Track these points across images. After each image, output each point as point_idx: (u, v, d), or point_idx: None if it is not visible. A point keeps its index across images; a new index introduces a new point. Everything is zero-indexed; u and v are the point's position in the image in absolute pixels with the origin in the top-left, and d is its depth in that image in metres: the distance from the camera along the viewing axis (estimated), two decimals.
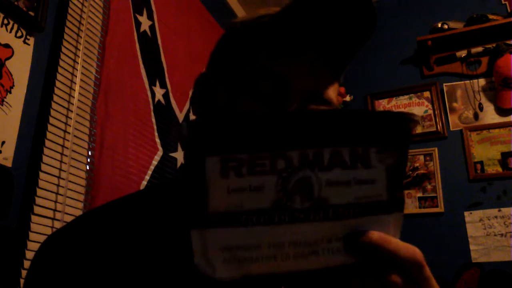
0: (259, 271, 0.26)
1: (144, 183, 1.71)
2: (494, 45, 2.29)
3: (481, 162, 2.19)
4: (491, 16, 2.29)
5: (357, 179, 0.27)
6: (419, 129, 2.37)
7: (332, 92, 0.47)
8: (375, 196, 0.28)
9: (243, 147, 0.26)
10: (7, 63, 1.29)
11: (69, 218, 1.39)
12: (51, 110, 1.40)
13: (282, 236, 0.26)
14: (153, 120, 1.82)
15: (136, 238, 0.44)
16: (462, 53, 2.36)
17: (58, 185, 1.37)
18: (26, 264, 1.23)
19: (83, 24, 1.57)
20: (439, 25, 2.37)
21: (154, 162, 1.79)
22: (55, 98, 1.42)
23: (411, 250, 0.32)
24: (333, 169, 0.27)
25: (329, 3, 0.42)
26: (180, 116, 2.01)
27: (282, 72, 0.44)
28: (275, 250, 0.26)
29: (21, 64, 1.33)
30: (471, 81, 2.33)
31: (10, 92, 1.28)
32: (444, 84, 2.40)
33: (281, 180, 0.26)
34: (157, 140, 1.83)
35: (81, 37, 1.55)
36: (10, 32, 1.31)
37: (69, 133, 1.44)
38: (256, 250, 0.26)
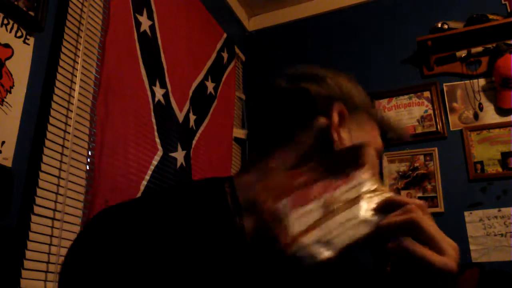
0: (343, 242, 0.44)
1: (144, 183, 1.71)
2: (494, 45, 2.29)
3: (481, 162, 2.19)
4: (491, 16, 2.28)
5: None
6: (419, 129, 2.37)
7: None
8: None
9: None
10: (7, 63, 1.29)
11: (69, 218, 1.39)
12: (51, 110, 1.40)
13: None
14: (153, 120, 1.82)
15: (177, 226, 0.50)
16: (462, 53, 2.35)
17: (58, 185, 1.37)
18: (26, 264, 1.23)
19: (83, 24, 1.57)
20: (439, 25, 2.37)
21: (154, 162, 1.79)
22: (55, 98, 1.42)
23: (403, 217, 0.45)
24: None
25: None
26: (180, 116, 2.01)
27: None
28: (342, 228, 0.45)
29: (21, 64, 1.33)
30: (471, 81, 2.33)
31: (10, 92, 1.28)
32: (444, 84, 2.40)
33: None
34: (157, 140, 1.83)
35: (81, 37, 1.55)
36: (10, 32, 1.31)
37: (69, 133, 1.44)
38: (332, 234, 0.44)
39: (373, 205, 0.47)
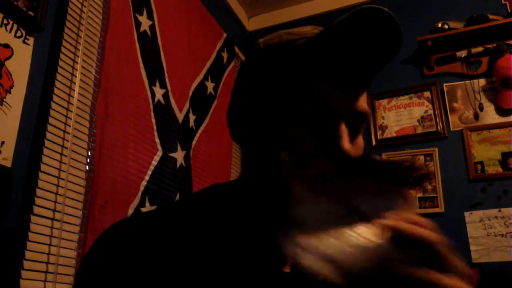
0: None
1: (144, 183, 1.70)
2: (494, 45, 2.29)
3: (482, 162, 2.18)
4: (491, 16, 2.28)
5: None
6: (419, 129, 2.37)
7: (365, 102, 0.53)
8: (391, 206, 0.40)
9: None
10: (7, 63, 1.28)
11: (68, 219, 1.39)
12: (51, 110, 1.39)
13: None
14: (153, 120, 1.82)
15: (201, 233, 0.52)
16: (463, 53, 2.35)
17: (57, 185, 1.37)
18: (26, 264, 1.23)
19: (82, 24, 1.57)
20: (439, 25, 2.37)
21: (154, 162, 1.79)
22: (55, 98, 1.42)
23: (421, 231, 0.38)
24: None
25: (363, 29, 0.48)
26: (180, 116, 2.01)
27: (330, 98, 0.49)
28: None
29: (20, 64, 1.33)
30: (471, 81, 2.33)
31: (10, 92, 1.28)
32: (445, 84, 2.40)
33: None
34: (157, 140, 1.83)
35: (80, 37, 1.55)
36: (10, 32, 1.31)
37: (68, 133, 1.43)
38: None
39: (383, 232, 0.38)
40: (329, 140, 0.49)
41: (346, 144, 0.48)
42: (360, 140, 0.53)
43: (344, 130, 0.49)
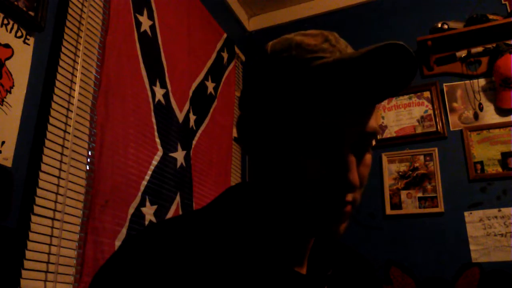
0: None
1: (144, 183, 1.70)
2: (494, 45, 2.29)
3: (481, 162, 2.18)
4: (491, 16, 2.28)
5: None
6: (419, 129, 2.37)
7: (375, 119, 0.52)
8: None
9: None
10: (7, 63, 1.28)
11: (69, 218, 1.39)
12: (51, 110, 1.40)
13: None
14: (153, 120, 1.82)
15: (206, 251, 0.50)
16: (462, 53, 2.35)
17: (58, 185, 1.37)
18: (26, 264, 1.23)
19: (83, 24, 1.57)
20: (439, 25, 2.37)
21: (154, 162, 1.79)
22: (55, 98, 1.42)
23: None
24: None
25: (383, 62, 0.48)
26: (180, 116, 2.01)
27: (340, 126, 0.48)
28: None
29: (21, 64, 1.33)
30: (471, 81, 2.33)
31: (10, 92, 1.28)
32: (444, 84, 2.40)
33: None
34: (157, 140, 1.83)
35: (81, 37, 1.55)
36: (10, 32, 1.31)
37: (69, 133, 1.43)
38: None
39: None
40: (336, 171, 0.48)
41: (352, 176, 0.48)
42: (368, 157, 0.53)
43: (352, 161, 0.48)
